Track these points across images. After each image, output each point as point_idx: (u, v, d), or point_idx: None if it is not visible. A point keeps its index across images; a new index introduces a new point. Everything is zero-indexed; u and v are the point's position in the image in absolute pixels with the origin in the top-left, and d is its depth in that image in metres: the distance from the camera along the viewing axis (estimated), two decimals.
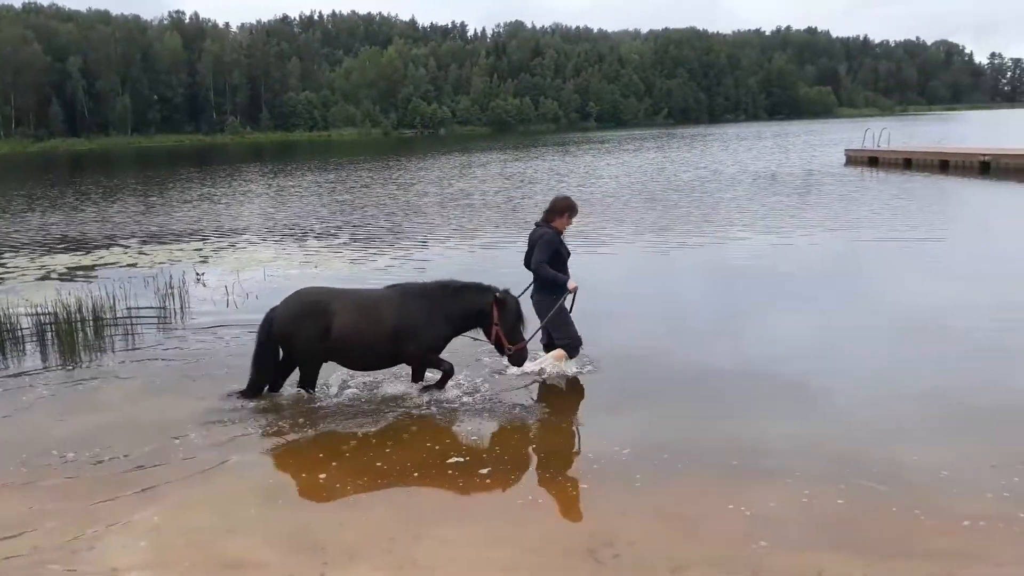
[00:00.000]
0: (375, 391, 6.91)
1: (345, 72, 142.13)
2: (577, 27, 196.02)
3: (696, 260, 13.06)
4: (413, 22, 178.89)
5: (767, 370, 7.31)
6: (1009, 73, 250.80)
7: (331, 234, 17.26)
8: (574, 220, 7.52)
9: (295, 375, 6.81)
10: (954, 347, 7.84)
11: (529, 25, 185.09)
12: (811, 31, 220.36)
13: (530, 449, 5.82)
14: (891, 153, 33.77)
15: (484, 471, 5.37)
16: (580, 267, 11.59)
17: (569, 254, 7.47)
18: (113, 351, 8.47)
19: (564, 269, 7.28)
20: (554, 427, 6.24)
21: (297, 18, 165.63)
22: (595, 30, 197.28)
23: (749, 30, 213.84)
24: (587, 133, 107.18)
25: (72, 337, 8.47)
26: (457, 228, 17.64)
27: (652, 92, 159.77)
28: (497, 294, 6.73)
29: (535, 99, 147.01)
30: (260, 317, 6.75)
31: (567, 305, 7.18)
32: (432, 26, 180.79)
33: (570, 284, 7.05)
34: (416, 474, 5.37)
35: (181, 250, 15.55)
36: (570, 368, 7.27)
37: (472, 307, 6.72)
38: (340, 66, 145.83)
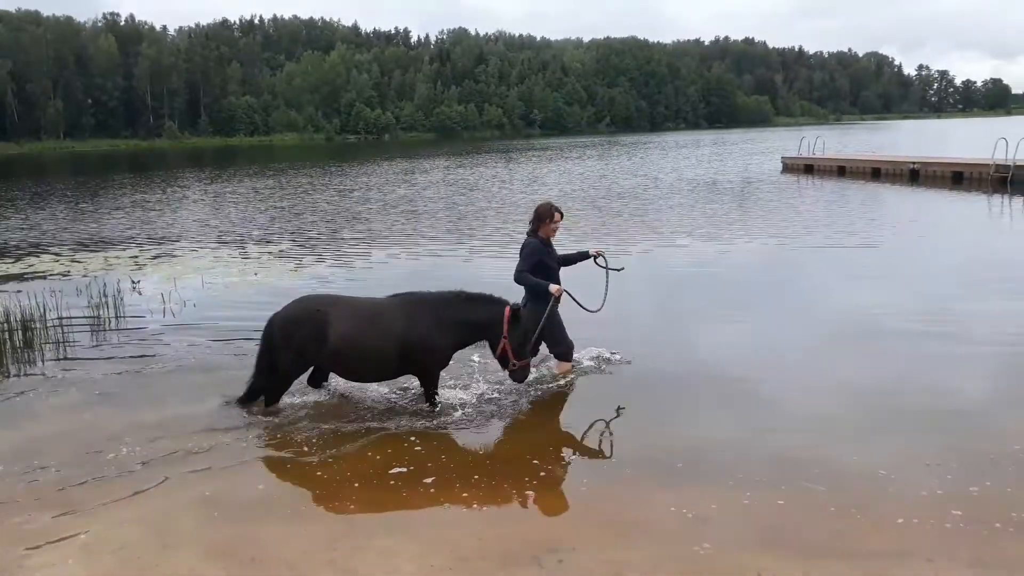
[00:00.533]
0: (318, 402, 6.80)
1: (287, 77, 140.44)
2: (520, 35, 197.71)
3: (638, 267, 13.16)
4: (356, 27, 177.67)
5: (709, 375, 7.42)
6: (936, 85, 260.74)
7: (270, 241, 16.99)
8: (559, 223, 7.42)
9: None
10: (889, 350, 8.05)
11: (473, 32, 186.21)
12: (749, 41, 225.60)
13: (475, 458, 5.78)
14: (826, 161, 34.71)
15: (428, 480, 5.32)
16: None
17: (560, 261, 7.41)
18: (43, 362, 8.17)
19: (552, 277, 7.21)
20: (499, 436, 6.23)
21: (237, 22, 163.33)
22: (538, 38, 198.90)
23: (689, 40, 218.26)
24: (531, 140, 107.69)
25: (0, 348, 8.16)
26: (399, 235, 17.52)
27: (595, 100, 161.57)
28: (511, 306, 6.60)
29: (479, 106, 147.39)
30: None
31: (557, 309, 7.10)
32: (375, 32, 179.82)
33: (553, 288, 6.94)
34: (357, 485, 5.29)
35: (116, 258, 15.12)
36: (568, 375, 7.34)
37: (484, 318, 6.56)
38: (282, 71, 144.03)
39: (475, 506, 4.99)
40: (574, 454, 5.64)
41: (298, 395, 6.84)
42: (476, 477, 5.38)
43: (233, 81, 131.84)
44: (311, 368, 6.75)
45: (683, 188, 27.63)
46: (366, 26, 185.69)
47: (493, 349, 6.67)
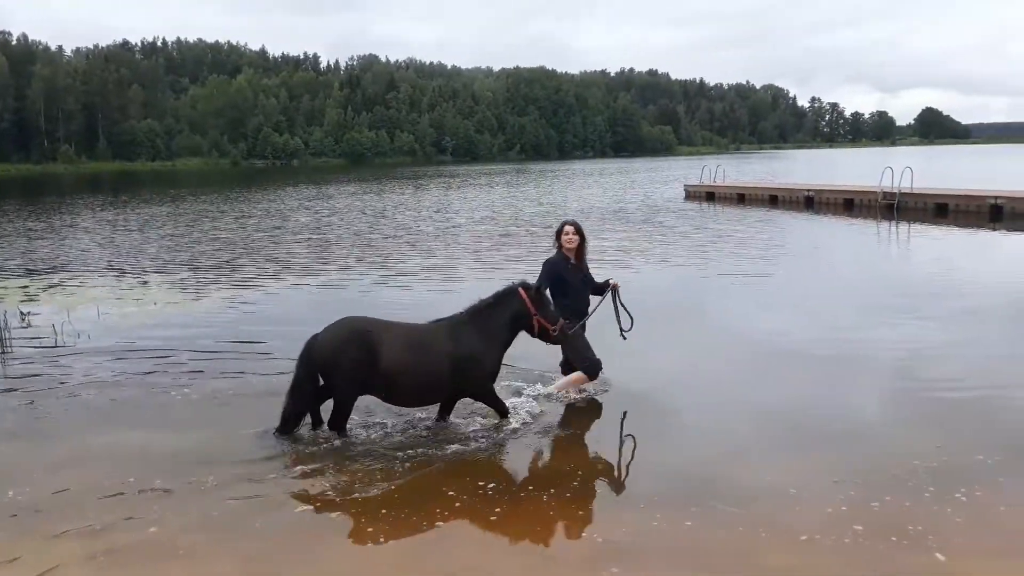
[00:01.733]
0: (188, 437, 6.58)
1: (191, 101, 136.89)
2: (431, 62, 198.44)
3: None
4: (263, 52, 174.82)
5: (620, 398, 7.52)
6: (827, 116, 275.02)
7: (168, 270, 16.40)
8: (571, 236, 7.46)
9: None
10: (793, 371, 8.35)
11: (383, 59, 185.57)
12: (652, 73, 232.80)
13: (383, 486, 5.67)
14: (726, 188, 36.01)
15: (334, 515, 5.21)
16: (428, 306, 11.60)
17: (586, 279, 7.51)
18: None
19: (571, 293, 7.36)
20: (410, 462, 6.12)
21: (139, 44, 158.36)
22: (449, 66, 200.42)
23: (595, 71, 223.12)
24: (443, 167, 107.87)
25: None
26: (300, 263, 17.15)
27: (505, 128, 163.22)
28: (523, 285, 6.73)
29: (391, 132, 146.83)
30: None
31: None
32: (283, 56, 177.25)
33: (562, 324, 6.94)
34: (259, 524, 5.11)
35: (3, 288, 14.33)
36: (583, 391, 7.45)
37: (515, 311, 6.65)
38: (186, 94, 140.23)
39: (382, 539, 4.89)
40: (490, 483, 5.60)
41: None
42: (384, 505, 5.28)
43: (134, 104, 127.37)
44: (357, 394, 6.44)
45: (592, 215, 28.12)
46: (274, 51, 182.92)
47: (531, 332, 6.78)
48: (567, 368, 7.56)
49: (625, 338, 7.52)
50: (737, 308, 11.72)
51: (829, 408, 7.18)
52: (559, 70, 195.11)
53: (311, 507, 5.32)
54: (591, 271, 7.76)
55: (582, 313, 7.42)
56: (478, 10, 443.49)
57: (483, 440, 6.44)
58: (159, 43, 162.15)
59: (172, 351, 9.28)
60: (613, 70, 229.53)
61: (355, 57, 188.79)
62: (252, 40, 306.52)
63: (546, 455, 6.30)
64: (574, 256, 7.52)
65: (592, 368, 7.30)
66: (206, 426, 6.71)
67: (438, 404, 6.79)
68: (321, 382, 6.36)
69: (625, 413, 7.17)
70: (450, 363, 6.41)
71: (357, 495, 5.45)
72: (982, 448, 6.03)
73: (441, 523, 5.09)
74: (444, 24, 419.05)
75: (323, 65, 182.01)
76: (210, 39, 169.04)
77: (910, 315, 10.79)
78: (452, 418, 6.81)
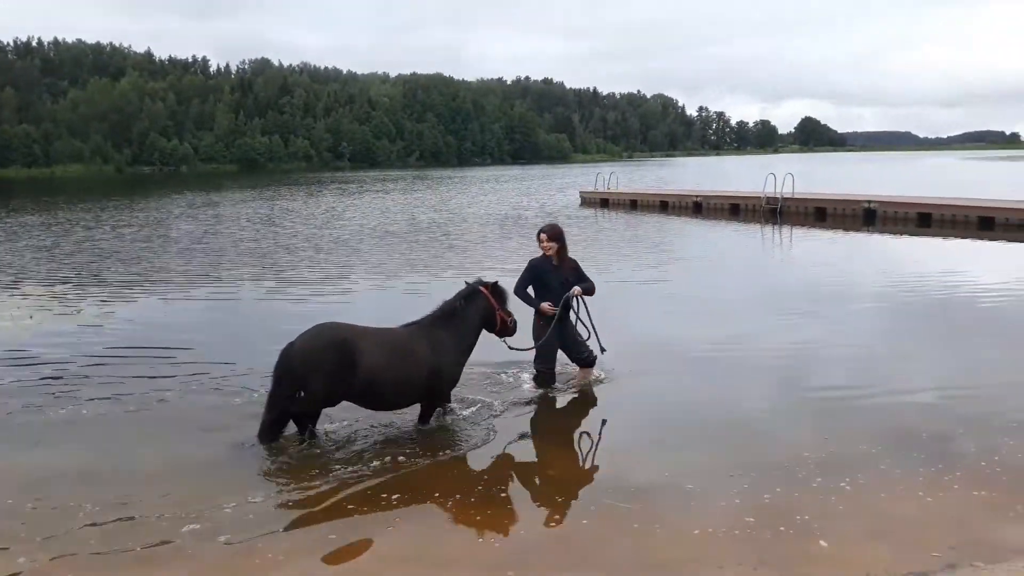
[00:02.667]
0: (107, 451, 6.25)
1: (71, 104, 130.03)
2: (326, 67, 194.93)
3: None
4: (149, 54, 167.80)
5: (525, 402, 7.51)
6: (714, 125, 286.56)
7: (46, 282, 15.46)
8: (544, 242, 7.73)
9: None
10: (691, 372, 8.52)
11: (276, 63, 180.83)
12: (547, 82, 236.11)
13: (263, 508, 5.50)
14: (619, 195, 36.87)
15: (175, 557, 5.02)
16: (322, 315, 11.39)
17: (563, 280, 7.69)
18: None
19: (550, 296, 7.65)
20: (296, 472, 5.97)
21: (12, 44, 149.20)
22: (344, 71, 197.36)
23: (492, 78, 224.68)
24: (339, 173, 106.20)
25: None
26: (176, 274, 16.20)
27: (403, 134, 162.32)
28: (481, 286, 6.88)
29: (285, 137, 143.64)
30: None
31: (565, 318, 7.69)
32: (171, 59, 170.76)
33: (545, 307, 7.55)
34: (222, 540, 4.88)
35: None
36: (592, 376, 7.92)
37: (481, 312, 6.83)
38: (65, 97, 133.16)
39: (269, 555, 4.76)
40: (394, 495, 5.52)
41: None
42: (266, 528, 5.13)
43: (7, 108, 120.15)
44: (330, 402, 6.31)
45: (489, 222, 28.26)
46: (160, 53, 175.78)
47: (493, 328, 6.96)
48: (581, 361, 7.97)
49: (604, 350, 7.91)
50: (637, 312, 11.95)
51: (726, 406, 7.38)
52: (456, 77, 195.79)
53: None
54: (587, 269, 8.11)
55: (563, 309, 7.70)
56: (371, 16, 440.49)
57: (387, 449, 6.35)
58: (34, 43, 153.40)
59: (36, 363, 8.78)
60: (509, 78, 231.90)
61: (247, 61, 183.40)
62: (136, 42, 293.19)
63: (451, 463, 6.22)
64: (555, 259, 7.76)
65: (589, 360, 7.86)
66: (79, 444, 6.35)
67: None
68: (299, 391, 6.17)
69: (525, 418, 7.20)
70: (427, 367, 6.46)
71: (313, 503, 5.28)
72: (867, 439, 6.33)
73: (333, 537, 4.98)
74: (337, 30, 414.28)
75: (213, 69, 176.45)
76: (90, 40, 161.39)
77: (798, 316, 11.26)
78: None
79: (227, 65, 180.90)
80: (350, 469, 5.90)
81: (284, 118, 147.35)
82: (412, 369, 6.41)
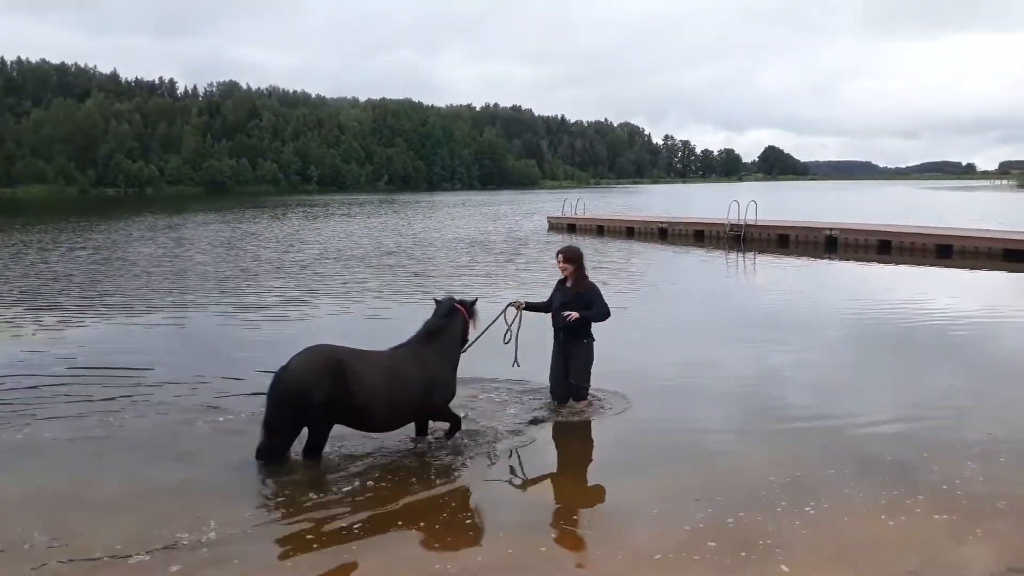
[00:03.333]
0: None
1: (34, 125, 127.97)
2: (295, 91, 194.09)
3: (410, 324, 13.13)
4: (115, 75, 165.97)
5: (489, 429, 7.43)
6: (680, 153, 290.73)
7: None
8: (560, 263, 8.02)
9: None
10: (658, 396, 8.50)
11: (244, 86, 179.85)
12: (516, 108, 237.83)
13: (220, 539, 5.36)
14: (587, 220, 37.12)
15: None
16: (280, 340, 11.28)
17: (564, 302, 7.84)
18: None
19: (552, 307, 7.97)
20: (230, 495, 5.84)
21: None
22: (313, 95, 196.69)
23: (461, 104, 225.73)
24: (307, 196, 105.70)
25: None
26: (131, 298, 15.78)
27: (372, 159, 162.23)
28: (457, 305, 7.07)
29: (253, 160, 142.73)
30: None
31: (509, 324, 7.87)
32: (137, 81, 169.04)
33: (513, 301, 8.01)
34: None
35: None
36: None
37: (461, 329, 7.03)
38: (28, 118, 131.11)
39: None
40: (350, 517, 5.42)
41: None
42: (198, 556, 4.99)
43: None
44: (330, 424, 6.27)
45: (458, 246, 28.25)
46: (126, 74, 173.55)
47: (463, 343, 7.18)
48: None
49: (517, 365, 7.95)
50: (603, 337, 11.86)
51: (692, 430, 7.37)
52: (425, 102, 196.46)
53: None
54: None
55: (558, 330, 7.93)
56: (339, 39, 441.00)
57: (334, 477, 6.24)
58: None
59: None
60: (478, 104, 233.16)
61: (215, 83, 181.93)
62: (102, 62, 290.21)
63: (417, 487, 6.12)
64: (570, 280, 7.97)
65: (580, 395, 7.94)
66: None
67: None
68: (294, 415, 6.09)
69: (483, 442, 7.13)
70: (420, 387, 6.54)
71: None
72: (831, 464, 6.35)
73: (291, 563, 4.87)
74: (305, 52, 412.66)
75: (180, 91, 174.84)
76: (55, 60, 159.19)
77: (762, 342, 11.31)
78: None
79: (195, 87, 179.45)
80: (317, 497, 5.75)
81: (252, 141, 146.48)
82: (406, 390, 6.46)
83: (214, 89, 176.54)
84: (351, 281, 18.31)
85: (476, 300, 7.38)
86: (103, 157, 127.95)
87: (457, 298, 7.24)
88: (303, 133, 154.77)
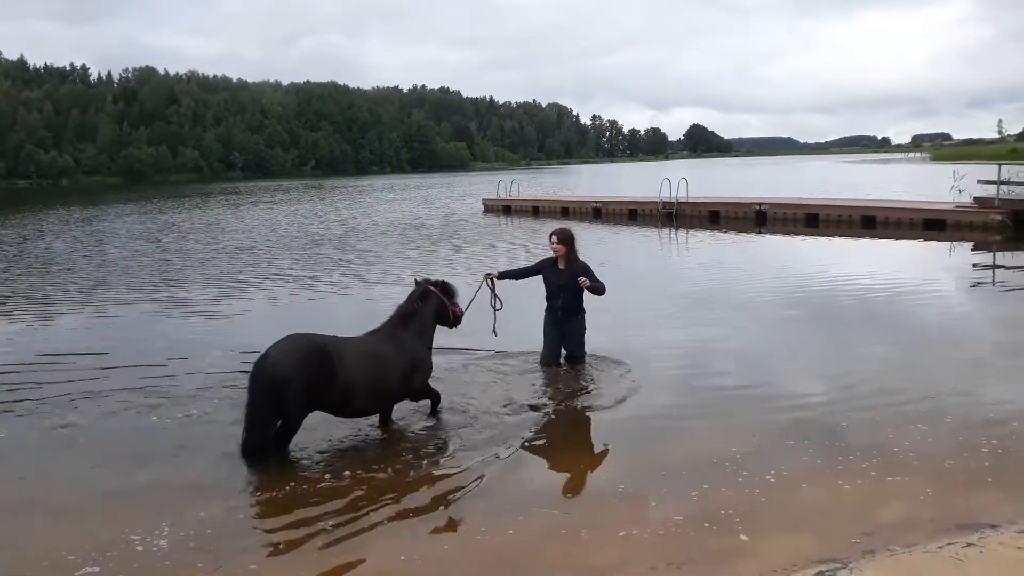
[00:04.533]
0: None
1: None
2: (215, 75, 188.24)
3: (349, 311, 12.93)
4: (23, 62, 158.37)
5: (449, 405, 7.37)
6: (608, 133, 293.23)
7: None
8: (554, 244, 8.42)
9: None
10: (615, 374, 8.44)
11: (162, 71, 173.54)
12: (444, 91, 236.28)
13: (174, 542, 5.17)
14: (522, 202, 37.12)
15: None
16: (222, 326, 10.93)
17: (562, 284, 8.34)
18: None
19: (548, 292, 8.54)
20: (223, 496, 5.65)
21: None
22: (235, 79, 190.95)
23: (388, 87, 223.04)
24: (231, 184, 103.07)
25: None
26: (37, 298, 14.81)
27: (298, 143, 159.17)
28: (431, 286, 7.20)
29: (173, 148, 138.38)
30: None
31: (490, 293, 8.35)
32: (47, 68, 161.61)
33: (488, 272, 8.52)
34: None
35: None
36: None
37: (435, 310, 7.17)
38: None
39: None
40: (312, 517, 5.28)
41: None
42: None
43: None
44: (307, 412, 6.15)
45: (391, 232, 27.91)
46: (35, 61, 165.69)
47: (447, 322, 7.35)
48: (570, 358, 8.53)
49: (495, 334, 8.43)
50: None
51: (653, 408, 7.36)
52: (351, 85, 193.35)
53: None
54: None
55: (552, 310, 8.45)
56: (259, 25, 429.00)
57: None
58: None
59: None
60: (406, 87, 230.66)
61: (129, 69, 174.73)
62: (7, 49, 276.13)
63: (389, 472, 5.99)
64: (563, 261, 8.36)
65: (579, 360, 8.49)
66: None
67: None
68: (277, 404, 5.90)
69: (441, 424, 7.05)
70: (400, 370, 6.61)
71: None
72: (790, 433, 6.46)
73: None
74: (223, 37, 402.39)
75: (93, 77, 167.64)
76: None
77: (705, 317, 11.48)
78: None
79: (108, 73, 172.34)
80: (284, 492, 5.58)
81: (172, 128, 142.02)
82: (386, 374, 6.52)
83: (129, 75, 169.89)
84: (281, 272, 17.80)
85: (445, 281, 7.50)
86: (13, 148, 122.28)
87: (432, 279, 7.42)
88: (225, 118, 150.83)
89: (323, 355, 6.02)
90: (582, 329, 8.51)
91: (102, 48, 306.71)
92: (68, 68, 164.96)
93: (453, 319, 7.40)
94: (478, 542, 4.85)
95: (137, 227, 32.37)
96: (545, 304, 8.59)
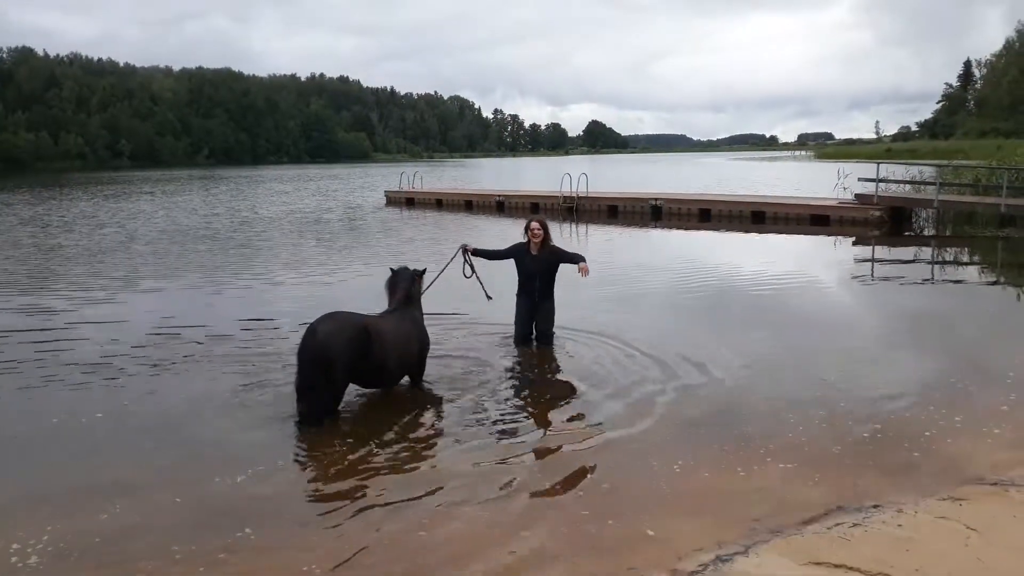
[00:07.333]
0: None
1: None
2: (100, 59, 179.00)
3: (244, 304, 12.54)
4: None
5: (385, 400, 7.25)
6: (509, 127, 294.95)
7: None
8: (534, 231, 9.01)
9: None
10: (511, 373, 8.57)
11: (41, 53, 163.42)
12: (343, 80, 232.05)
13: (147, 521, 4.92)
14: (425, 194, 36.93)
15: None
16: (110, 319, 10.48)
17: (538, 269, 9.08)
18: None
19: (520, 276, 9.25)
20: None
21: None
22: (121, 64, 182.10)
23: (284, 75, 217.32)
24: (119, 172, 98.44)
25: None
26: None
27: (190, 131, 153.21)
28: (417, 272, 8.11)
29: (54, 134, 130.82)
30: None
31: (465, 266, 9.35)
32: None
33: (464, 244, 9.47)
34: None
35: None
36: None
37: (419, 292, 8.08)
38: None
39: None
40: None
41: None
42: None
43: None
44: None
45: (287, 223, 27.28)
46: None
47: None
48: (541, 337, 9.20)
49: (490, 297, 9.29)
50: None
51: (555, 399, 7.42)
52: (245, 72, 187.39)
53: None
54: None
55: (528, 293, 9.17)
56: (140, 5, 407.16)
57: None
58: None
59: None
60: (303, 75, 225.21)
61: (4, 49, 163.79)
62: None
63: (363, 455, 5.86)
64: (537, 247, 9.03)
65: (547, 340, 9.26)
66: None
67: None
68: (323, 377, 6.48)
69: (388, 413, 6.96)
70: (418, 345, 7.46)
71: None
72: (693, 422, 6.68)
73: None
74: (103, 17, 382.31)
75: None
76: None
77: (606, 307, 11.70)
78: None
79: None
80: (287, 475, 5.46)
81: (53, 112, 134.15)
82: (410, 349, 7.31)
83: (4, 55, 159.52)
84: (162, 268, 17.10)
85: (424, 270, 8.30)
86: None
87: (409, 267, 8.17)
88: (111, 104, 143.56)
89: (364, 333, 6.68)
90: (553, 310, 9.25)
91: None
92: None
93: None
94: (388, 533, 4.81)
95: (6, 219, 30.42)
96: (517, 288, 9.28)
